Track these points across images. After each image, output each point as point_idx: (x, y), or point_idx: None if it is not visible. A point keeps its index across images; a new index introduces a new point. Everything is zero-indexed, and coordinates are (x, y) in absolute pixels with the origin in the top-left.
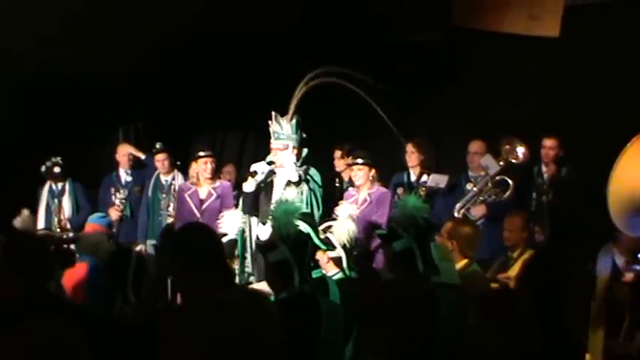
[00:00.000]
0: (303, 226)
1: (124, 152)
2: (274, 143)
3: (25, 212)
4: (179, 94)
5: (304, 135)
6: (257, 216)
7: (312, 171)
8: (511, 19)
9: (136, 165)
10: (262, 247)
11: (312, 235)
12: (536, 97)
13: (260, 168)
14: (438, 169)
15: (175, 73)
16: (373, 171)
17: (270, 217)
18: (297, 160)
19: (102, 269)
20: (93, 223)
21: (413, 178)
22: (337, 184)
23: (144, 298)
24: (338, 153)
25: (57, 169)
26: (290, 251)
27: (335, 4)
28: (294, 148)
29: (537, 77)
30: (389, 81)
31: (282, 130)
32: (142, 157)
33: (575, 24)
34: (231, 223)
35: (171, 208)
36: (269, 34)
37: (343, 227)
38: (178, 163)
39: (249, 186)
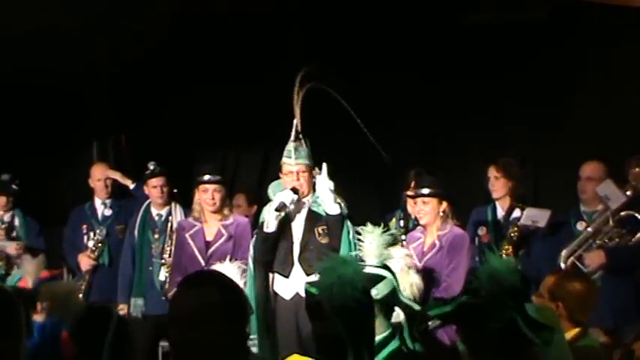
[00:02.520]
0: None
1: (100, 176)
2: (293, 165)
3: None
4: (176, 98)
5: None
6: (271, 267)
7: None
8: None
9: (117, 193)
10: (309, 309)
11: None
12: None
13: (287, 198)
14: (535, 201)
15: (171, 68)
16: (444, 204)
17: (317, 283)
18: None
19: (71, 332)
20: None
21: (500, 213)
22: (400, 223)
23: None
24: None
25: (14, 186)
26: (345, 326)
27: None
28: (312, 169)
29: None
30: (464, 78)
31: (302, 146)
32: (130, 185)
33: None
34: None
35: (167, 255)
36: (303, 21)
37: (403, 281)
38: (175, 191)
39: (272, 225)
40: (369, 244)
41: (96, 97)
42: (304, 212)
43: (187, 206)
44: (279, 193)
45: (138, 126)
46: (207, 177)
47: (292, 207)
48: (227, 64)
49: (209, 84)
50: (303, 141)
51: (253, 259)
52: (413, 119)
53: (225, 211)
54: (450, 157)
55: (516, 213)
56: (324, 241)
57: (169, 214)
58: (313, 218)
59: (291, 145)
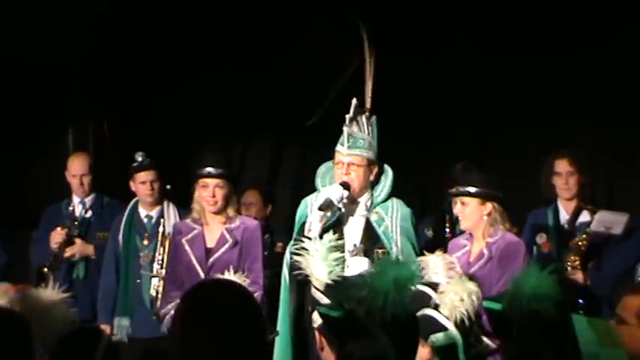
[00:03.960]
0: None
1: (76, 171)
2: (344, 155)
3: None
4: (171, 76)
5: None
6: (308, 282)
7: (402, 208)
8: None
9: (100, 191)
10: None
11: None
12: None
13: (334, 194)
14: (609, 203)
15: (165, 39)
16: (489, 207)
17: (367, 290)
18: (378, 187)
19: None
20: None
21: (564, 217)
22: (446, 227)
23: None
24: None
25: None
26: (395, 345)
27: None
28: (372, 165)
29: None
30: (524, 56)
31: (362, 133)
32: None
33: None
34: None
35: (156, 265)
36: None
37: (460, 291)
38: (168, 187)
39: (315, 227)
40: (315, 254)
41: (72, 73)
42: (361, 221)
43: (183, 206)
44: (326, 188)
45: (123, 109)
46: (207, 170)
47: (341, 206)
48: (231, 38)
49: (211, 59)
50: (366, 126)
51: (289, 267)
52: (463, 107)
53: (230, 212)
54: (505, 151)
55: (584, 217)
56: None
57: (161, 215)
58: (372, 234)
59: (346, 130)
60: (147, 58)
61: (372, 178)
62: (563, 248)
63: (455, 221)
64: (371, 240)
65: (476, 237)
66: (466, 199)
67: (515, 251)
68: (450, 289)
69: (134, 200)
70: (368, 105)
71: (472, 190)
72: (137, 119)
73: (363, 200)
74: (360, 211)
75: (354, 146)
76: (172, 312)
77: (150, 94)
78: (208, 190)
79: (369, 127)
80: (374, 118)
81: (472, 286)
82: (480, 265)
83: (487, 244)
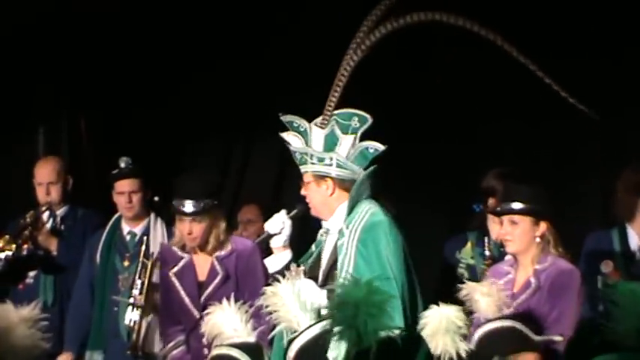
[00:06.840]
0: None
1: (42, 178)
2: (301, 170)
3: None
4: (160, 66)
5: (371, 149)
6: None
7: (369, 217)
8: None
9: (74, 200)
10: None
11: None
12: None
13: (274, 226)
14: None
15: (154, 21)
16: (543, 226)
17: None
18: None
19: None
20: None
21: (635, 242)
22: (485, 251)
23: None
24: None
25: None
26: None
27: None
28: (321, 178)
29: None
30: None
31: (305, 147)
32: None
33: None
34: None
35: (136, 291)
36: None
37: (441, 330)
38: (156, 199)
39: (272, 263)
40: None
41: (43, 61)
42: (332, 241)
43: (172, 222)
44: (270, 221)
45: (104, 104)
46: (184, 206)
47: (286, 240)
48: (232, 27)
49: (211, 48)
50: (311, 136)
51: None
52: (501, 105)
53: (221, 236)
54: (552, 158)
55: None
56: None
57: (146, 231)
58: (335, 256)
59: (290, 148)
60: (133, 41)
61: (329, 193)
62: (634, 280)
63: (491, 243)
64: (335, 259)
65: (522, 263)
66: (516, 217)
67: (568, 281)
68: (433, 329)
69: (117, 215)
70: (328, 111)
71: (524, 206)
72: (120, 116)
73: (337, 217)
74: (333, 229)
75: (301, 162)
76: (174, 352)
77: (135, 86)
78: (185, 225)
79: (319, 137)
80: (332, 126)
81: (451, 311)
82: (527, 296)
83: (535, 272)
